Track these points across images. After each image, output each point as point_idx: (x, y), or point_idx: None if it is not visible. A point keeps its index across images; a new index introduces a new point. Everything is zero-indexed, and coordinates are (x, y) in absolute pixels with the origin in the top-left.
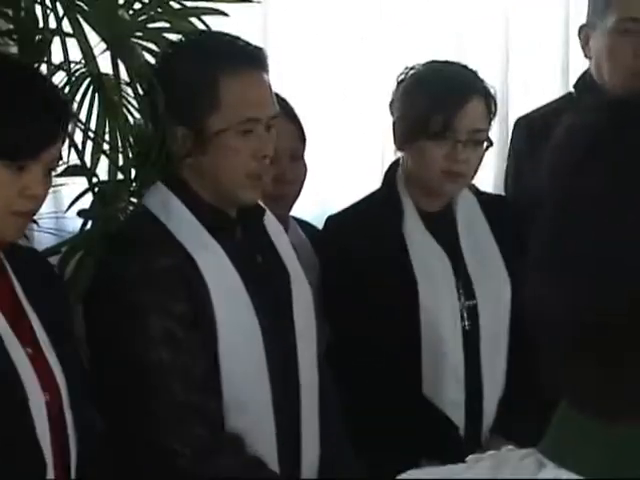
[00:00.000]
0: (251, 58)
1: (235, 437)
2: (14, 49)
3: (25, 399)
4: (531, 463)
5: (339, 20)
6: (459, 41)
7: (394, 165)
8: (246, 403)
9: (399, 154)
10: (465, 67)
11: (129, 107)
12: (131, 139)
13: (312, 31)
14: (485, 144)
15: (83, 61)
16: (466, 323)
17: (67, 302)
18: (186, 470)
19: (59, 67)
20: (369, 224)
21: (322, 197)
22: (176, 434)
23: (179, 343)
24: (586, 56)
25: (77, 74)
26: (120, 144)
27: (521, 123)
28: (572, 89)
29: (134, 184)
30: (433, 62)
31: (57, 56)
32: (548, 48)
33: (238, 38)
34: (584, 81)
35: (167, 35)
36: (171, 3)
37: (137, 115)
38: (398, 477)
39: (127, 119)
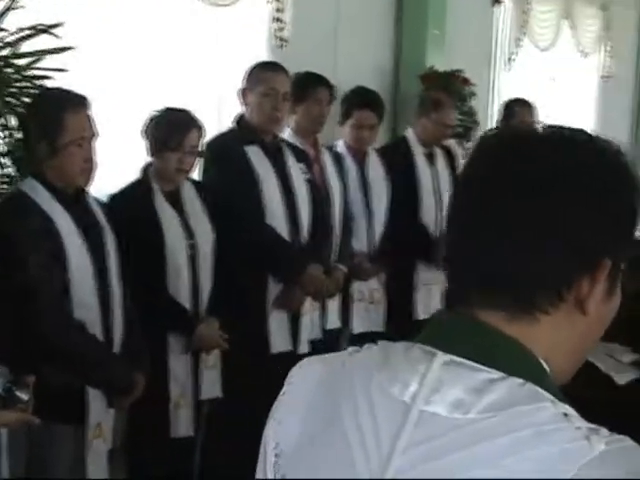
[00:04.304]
0: (80, 102)
1: (80, 322)
2: None
3: None
4: (419, 352)
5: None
6: None
7: (148, 165)
8: (84, 303)
9: (150, 159)
10: (187, 111)
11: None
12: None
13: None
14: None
15: None
16: (190, 251)
17: None
18: (55, 340)
19: None
20: (135, 198)
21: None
22: (49, 319)
23: (48, 266)
24: (246, 105)
25: None
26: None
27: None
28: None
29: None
30: (168, 108)
31: None
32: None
33: (70, 91)
34: (242, 120)
35: None
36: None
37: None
38: (301, 362)
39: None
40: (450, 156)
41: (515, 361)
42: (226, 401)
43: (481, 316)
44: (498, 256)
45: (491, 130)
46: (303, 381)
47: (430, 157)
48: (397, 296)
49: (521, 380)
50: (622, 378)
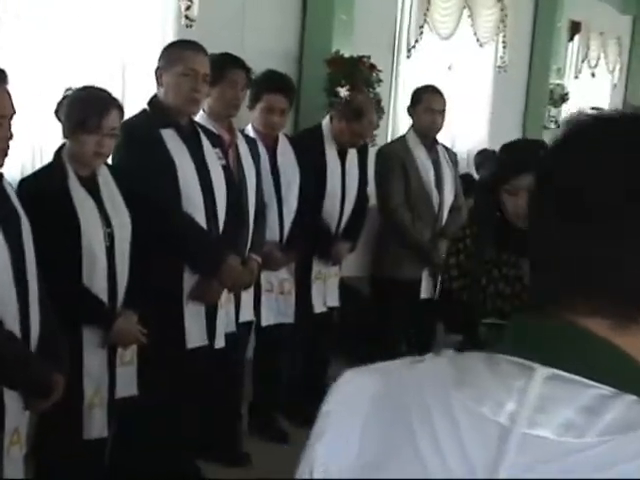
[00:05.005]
0: None
1: None
2: None
3: None
4: (509, 365)
5: None
6: None
7: (62, 147)
8: (0, 298)
9: (65, 140)
10: (105, 90)
11: None
12: None
13: None
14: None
15: None
16: (107, 240)
17: None
18: None
19: None
20: (49, 182)
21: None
22: None
23: None
24: (160, 86)
25: None
26: None
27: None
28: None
29: None
30: (85, 87)
31: None
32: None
33: None
34: (156, 101)
35: None
36: None
37: None
38: (345, 375)
39: None
40: (361, 151)
41: (626, 375)
42: (140, 398)
43: (581, 323)
44: (612, 260)
45: (580, 115)
46: (353, 396)
47: (342, 153)
48: (298, 288)
49: (635, 397)
50: None
